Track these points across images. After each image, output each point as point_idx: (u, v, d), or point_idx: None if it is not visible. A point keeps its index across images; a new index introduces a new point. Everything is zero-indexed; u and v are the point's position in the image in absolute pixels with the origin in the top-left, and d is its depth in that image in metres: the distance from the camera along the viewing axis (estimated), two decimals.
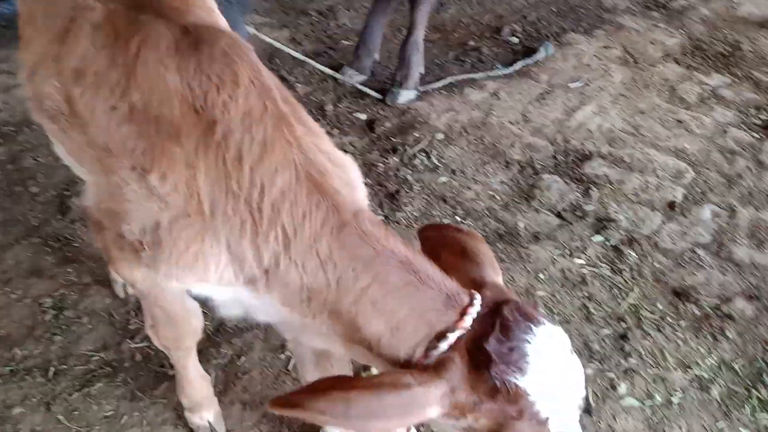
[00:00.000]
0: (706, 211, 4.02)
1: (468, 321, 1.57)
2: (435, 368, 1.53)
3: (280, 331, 2.26)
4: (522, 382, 1.48)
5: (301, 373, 2.26)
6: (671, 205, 4.06)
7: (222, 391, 2.80)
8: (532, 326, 1.54)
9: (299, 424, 2.70)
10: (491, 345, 1.50)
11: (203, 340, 2.99)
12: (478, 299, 1.61)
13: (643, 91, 5.14)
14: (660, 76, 5.28)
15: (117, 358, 2.97)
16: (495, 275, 1.80)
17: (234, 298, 1.91)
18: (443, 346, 1.56)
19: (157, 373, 2.91)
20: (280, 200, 1.66)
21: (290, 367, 2.93)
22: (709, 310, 3.34)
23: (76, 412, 2.75)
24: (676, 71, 5.36)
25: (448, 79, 5.04)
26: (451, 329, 1.57)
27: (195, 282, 1.83)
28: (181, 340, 2.29)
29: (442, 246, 1.80)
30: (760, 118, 4.90)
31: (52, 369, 2.89)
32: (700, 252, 3.72)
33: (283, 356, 2.98)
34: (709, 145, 4.59)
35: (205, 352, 2.95)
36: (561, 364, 1.55)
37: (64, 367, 2.91)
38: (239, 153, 1.67)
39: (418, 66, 4.81)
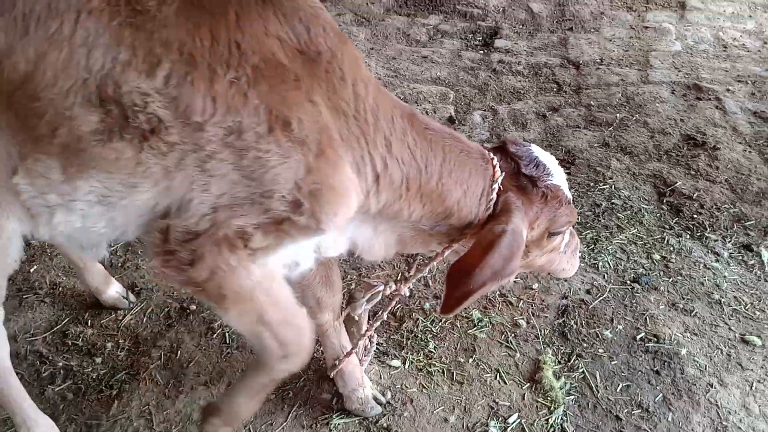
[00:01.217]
0: (477, 116, 4.97)
1: (498, 167, 2.10)
2: (504, 210, 2.06)
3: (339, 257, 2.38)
4: (554, 181, 2.12)
5: (315, 294, 2.44)
6: (451, 120, 4.92)
7: (176, 384, 2.87)
8: (530, 148, 2.16)
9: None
10: (526, 170, 2.09)
11: (134, 352, 3.03)
12: (489, 152, 2.17)
13: (385, 41, 5.98)
14: (392, 27, 6.17)
15: (48, 407, 2.82)
16: None
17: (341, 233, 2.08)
18: (494, 193, 2.07)
19: (100, 400, 2.85)
20: (374, 107, 1.89)
21: (228, 340, 3.10)
22: None
23: None
24: (402, 20, 6.29)
25: None
26: (494, 177, 2.09)
27: (345, 218, 1.86)
28: (308, 333, 2.07)
29: None
30: (477, 40, 6.05)
31: None
32: (487, 145, 4.61)
33: (215, 336, 3.13)
34: (454, 68, 5.58)
35: (135, 364, 2.96)
36: (553, 161, 2.19)
37: None
38: (342, 73, 1.82)
39: None
